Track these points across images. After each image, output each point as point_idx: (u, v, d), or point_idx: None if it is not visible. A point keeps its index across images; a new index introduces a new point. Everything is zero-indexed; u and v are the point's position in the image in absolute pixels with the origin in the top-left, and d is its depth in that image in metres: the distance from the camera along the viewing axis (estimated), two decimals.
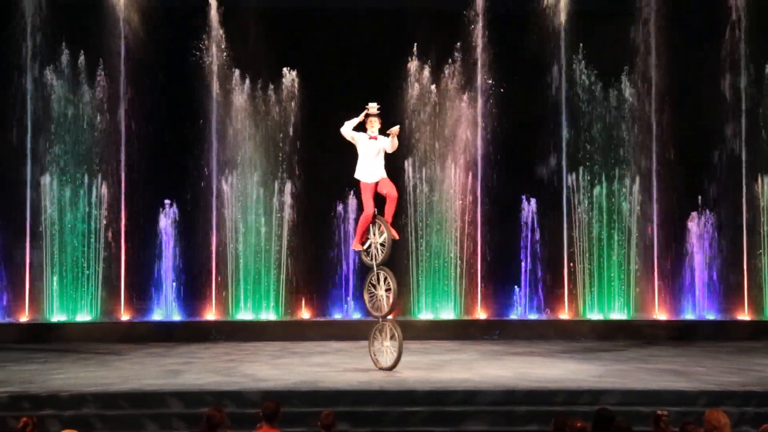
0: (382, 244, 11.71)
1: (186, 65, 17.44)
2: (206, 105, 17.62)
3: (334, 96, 17.32)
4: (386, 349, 11.82)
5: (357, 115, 11.67)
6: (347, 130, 11.67)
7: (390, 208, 11.73)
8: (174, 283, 17.13)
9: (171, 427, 9.84)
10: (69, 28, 17.10)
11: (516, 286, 17.55)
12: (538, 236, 17.64)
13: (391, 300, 11.68)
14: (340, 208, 17.63)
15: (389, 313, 11.82)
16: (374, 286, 11.89)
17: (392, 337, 11.76)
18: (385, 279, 11.74)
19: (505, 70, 17.75)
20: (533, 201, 17.64)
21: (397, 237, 11.84)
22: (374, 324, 12.04)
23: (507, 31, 17.74)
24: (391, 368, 11.65)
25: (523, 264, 17.58)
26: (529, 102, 17.81)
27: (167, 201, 17.17)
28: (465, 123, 17.79)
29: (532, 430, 9.76)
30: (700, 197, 17.64)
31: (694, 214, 17.61)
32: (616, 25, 17.90)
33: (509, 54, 17.75)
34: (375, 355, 11.96)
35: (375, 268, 11.81)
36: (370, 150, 11.68)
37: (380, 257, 11.71)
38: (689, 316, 17.42)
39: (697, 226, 17.56)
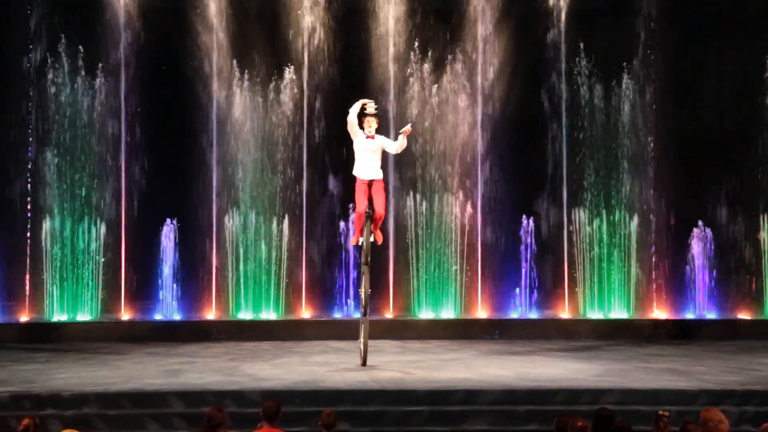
0: (367, 243, 11.91)
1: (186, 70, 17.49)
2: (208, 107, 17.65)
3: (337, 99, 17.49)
4: (362, 346, 12.05)
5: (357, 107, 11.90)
6: (353, 116, 11.82)
7: (375, 222, 11.90)
8: (174, 284, 17.14)
9: (172, 427, 9.86)
10: (69, 32, 17.16)
11: (516, 288, 17.55)
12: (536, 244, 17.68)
13: (363, 300, 11.95)
14: (342, 225, 17.63)
15: (363, 313, 12.01)
16: (361, 284, 12.16)
17: (364, 336, 12.00)
18: (364, 279, 11.97)
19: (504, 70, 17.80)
20: (532, 220, 17.65)
21: (379, 242, 12.09)
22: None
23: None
24: (362, 365, 11.91)
25: (523, 263, 17.57)
26: (528, 103, 17.80)
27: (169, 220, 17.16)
28: (465, 122, 17.81)
29: (533, 430, 9.79)
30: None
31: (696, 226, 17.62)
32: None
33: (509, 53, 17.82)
34: (360, 351, 12.20)
35: (361, 266, 12.07)
36: (366, 149, 11.89)
37: (364, 256, 11.95)
38: (690, 315, 17.42)
39: (698, 239, 17.58)
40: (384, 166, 12.31)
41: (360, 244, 12.08)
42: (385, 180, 12.39)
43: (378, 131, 12.04)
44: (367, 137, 11.88)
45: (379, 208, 11.86)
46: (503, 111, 17.73)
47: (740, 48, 18.02)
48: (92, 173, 17.11)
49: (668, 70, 17.84)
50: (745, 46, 17.94)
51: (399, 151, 12.24)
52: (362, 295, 12.05)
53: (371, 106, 11.93)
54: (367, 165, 11.88)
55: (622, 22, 18.08)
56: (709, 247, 17.41)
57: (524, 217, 17.56)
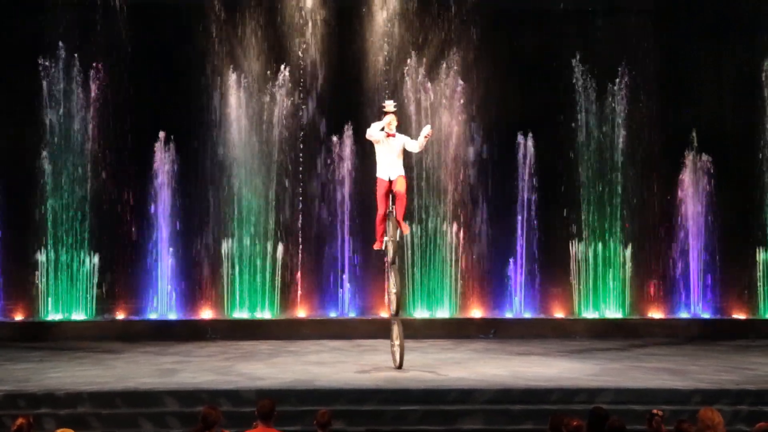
0: (392, 242, 11.67)
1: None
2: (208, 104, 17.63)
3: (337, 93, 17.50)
4: (396, 349, 11.83)
5: (379, 119, 11.70)
6: (375, 132, 11.62)
7: (398, 206, 11.61)
8: (169, 283, 17.15)
9: (166, 426, 9.86)
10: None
11: (511, 262, 17.52)
12: (536, 207, 17.71)
13: (394, 300, 11.73)
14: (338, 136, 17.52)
15: (395, 313, 11.80)
16: (389, 284, 11.95)
17: (399, 338, 11.77)
18: (393, 279, 11.77)
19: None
20: (530, 137, 17.60)
21: (405, 231, 11.89)
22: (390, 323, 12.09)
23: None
24: (398, 368, 11.66)
25: (519, 254, 17.62)
26: (525, 100, 17.81)
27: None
28: (461, 120, 17.82)
29: (528, 429, 9.79)
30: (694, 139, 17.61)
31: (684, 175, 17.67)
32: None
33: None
34: (393, 353, 11.94)
35: (389, 267, 11.86)
36: (388, 148, 11.61)
37: (390, 255, 11.74)
38: (684, 314, 17.47)
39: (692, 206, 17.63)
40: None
41: (383, 248, 11.78)
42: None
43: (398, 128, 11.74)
44: (388, 135, 11.60)
45: (401, 188, 11.50)
46: (500, 107, 17.73)
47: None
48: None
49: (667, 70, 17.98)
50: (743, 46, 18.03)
51: (419, 150, 11.86)
52: (391, 296, 11.81)
53: (390, 104, 11.71)
54: (389, 165, 11.56)
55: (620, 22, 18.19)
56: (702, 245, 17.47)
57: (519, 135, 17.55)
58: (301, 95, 17.72)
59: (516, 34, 18.12)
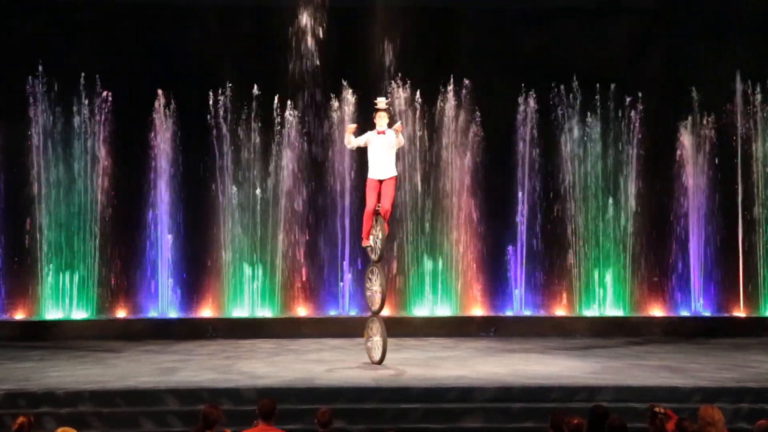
0: (379, 240, 11.80)
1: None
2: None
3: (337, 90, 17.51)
4: (375, 343, 11.98)
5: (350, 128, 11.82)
6: (353, 142, 11.72)
7: (381, 212, 11.75)
8: (170, 281, 17.16)
9: (167, 425, 9.86)
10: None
11: (510, 251, 17.52)
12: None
13: (380, 297, 11.82)
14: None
15: (378, 310, 11.95)
16: (370, 281, 12.04)
17: (381, 333, 11.88)
18: (377, 276, 11.85)
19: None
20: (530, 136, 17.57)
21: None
22: (368, 319, 12.21)
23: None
24: (378, 362, 11.79)
25: (518, 252, 17.62)
26: (525, 99, 17.81)
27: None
28: (460, 118, 17.82)
29: (528, 427, 9.80)
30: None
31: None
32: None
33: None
34: (368, 349, 12.14)
35: (371, 264, 11.95)
36: (379, 145, 11.60)
37: (377, 253, 11.84)
38: (684, 312, 17.47)
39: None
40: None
41: (370, 244, 11.87)
42: (400, 176, 12.20)
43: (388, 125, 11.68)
44: (379, 133, 11.58)
45: (386, 202, 11.61)
46: (500, 109, 17.72)
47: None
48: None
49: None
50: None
51: (399, 146, 11.85)
52: (374, 293, 11.92)
53: (381, 101, 11.70)
54: (381, 163, 11.57)
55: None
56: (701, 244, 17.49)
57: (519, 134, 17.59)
58: (303, 91, 17.72)
59: (516, 34, 18.14)
